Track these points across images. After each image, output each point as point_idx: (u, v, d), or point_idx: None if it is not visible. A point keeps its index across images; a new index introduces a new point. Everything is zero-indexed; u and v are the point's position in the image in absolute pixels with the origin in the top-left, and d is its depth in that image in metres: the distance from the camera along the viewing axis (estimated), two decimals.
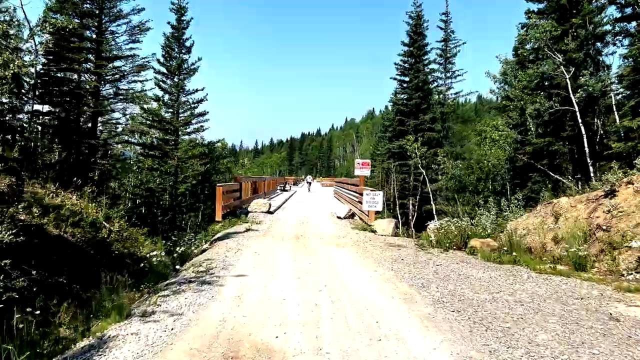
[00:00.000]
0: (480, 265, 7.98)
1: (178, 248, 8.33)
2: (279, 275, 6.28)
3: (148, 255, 7.69)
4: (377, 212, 13.67)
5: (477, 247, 10.01)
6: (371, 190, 13.20)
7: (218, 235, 10.93)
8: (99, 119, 16.57)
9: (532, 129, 16.34)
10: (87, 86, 15.74)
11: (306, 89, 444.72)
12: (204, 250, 8.94)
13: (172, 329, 4.08)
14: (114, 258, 8.72)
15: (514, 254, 9.35)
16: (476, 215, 14.25)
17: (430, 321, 4.46)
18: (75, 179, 9.72)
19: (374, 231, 12.02)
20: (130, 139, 20.64)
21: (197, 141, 23.02)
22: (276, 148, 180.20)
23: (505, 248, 9.77)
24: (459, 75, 30.54)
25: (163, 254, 7.43)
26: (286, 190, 29.81)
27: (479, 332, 4.18)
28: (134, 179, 22.71)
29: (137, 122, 20.85)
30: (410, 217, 25.55)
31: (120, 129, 18.65)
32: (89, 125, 15.84)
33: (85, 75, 16.05)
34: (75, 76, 15.48)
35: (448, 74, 30.15)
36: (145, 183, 21.23)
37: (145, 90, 18.46)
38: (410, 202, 26.15)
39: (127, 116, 18.59)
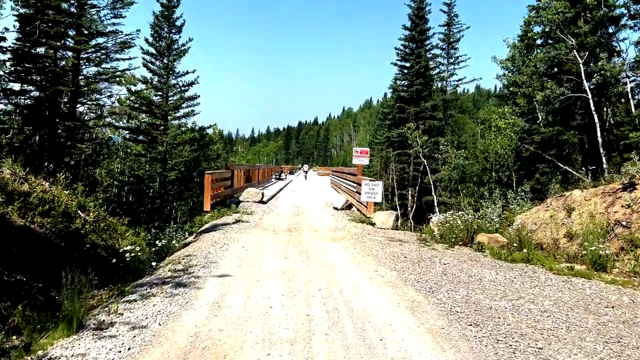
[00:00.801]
0: (491, 264, 7.29)
1: (158, 241, 7.58)
2: (266, 277, 5.54)
3: (124, 250, 6.94)
4: (376, 204, 12.97)
5: (485, 243, 9.37)
6: (370, 180, 12.45)
7: (205, 226, 10.18)
8: (80, 99, 15.46)
9: (542, 116, 15.58)
10: (66, 64, 14.67)
11: (304, 78, 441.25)
12: (187, 244, 8.19)
13: (128, 349, 3.35)
14: (88, 251, 7.95)
15: (524, 250, 8.71)
16: (481, 207, 13.59)
17: (445, 339, 3.74)
18: (46, 163, 8.87)
19: (372, 224, 11.33)
20: (116, 123, 19.64)
21: (189, 126, 22.08)
22: (273, 137, 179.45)
23: (515, 244, 9.13)
24: (462, 61, 29.62)
25: (138, 248, 6.67)
26: (281, 179, 29.29)
27: (507, 355, 3.47)
28: (122, 165, 21.79)
29: (124, 105, 19.81)
30: (409, 209, 24.90)
31: (103, 112, 17.49)
32: (68, 106, 14.75)
33: (64, 52, 14.94)
34: (53, 52, 14.38)
35: (451, 60, 29.20)
36: (133, 170, 20.30)
37: (131, 69, 17.38)
38: (410, 192, 25.47)
39: (113, 98, 17.62)
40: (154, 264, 6.27)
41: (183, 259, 6.45)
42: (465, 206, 13.36)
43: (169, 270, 5.70)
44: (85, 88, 15.25)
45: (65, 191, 9.27)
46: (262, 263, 6.28)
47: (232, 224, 10.12)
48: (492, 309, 4.66)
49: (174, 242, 7.77)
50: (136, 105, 19.83)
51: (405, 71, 29.26)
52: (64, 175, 9.63)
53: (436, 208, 19.22)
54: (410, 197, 25.39)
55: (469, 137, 31.18)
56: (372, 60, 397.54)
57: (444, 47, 30.15)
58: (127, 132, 20.75)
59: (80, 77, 15.17)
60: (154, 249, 7.53)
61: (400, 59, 29.48)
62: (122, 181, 19.61)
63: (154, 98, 20.77)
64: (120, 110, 18.22)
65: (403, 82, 29.33)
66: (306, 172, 36.61)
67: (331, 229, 10.20)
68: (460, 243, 9.45)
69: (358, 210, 13.64)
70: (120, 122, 20.72)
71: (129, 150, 21.39)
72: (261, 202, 14.56)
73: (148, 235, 9.09)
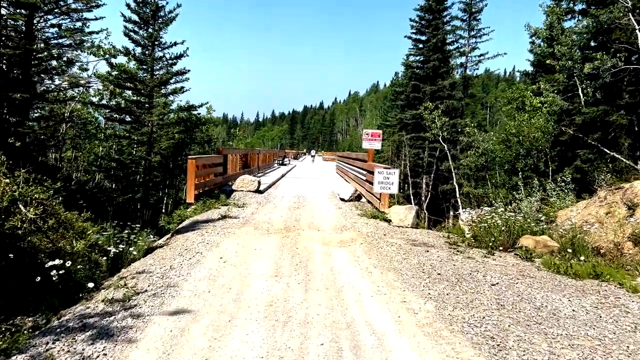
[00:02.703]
0: (553, 284, 5.57)
1: (112, 247, 5.89)
2: (243, 314, 3.83)
3: (51, 265, 5.30)
4: (391, 196, 11.23)
5: (531, 248, 7.64)
6: (384, 168, 10.64)
7: (183, 223, 8.51)
8: (37, 70, 13.23)
9: (590, 91, 13.52)
10: (12, 21, 12.40)
11: (311, 62, 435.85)
12: (152, 249, 6.51)
13: None
14: (20, 260, 6.32)
15: (581, 258, 7.00)
16: (513, 200, 11.79)
17: None
18: None
19: (387, 220, 9.62)
20: (93, 101, 17.70)
21: (178, 104, 19.98)
22: (278, 121, 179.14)
23: (568, 250, 7.38)
24: (485, 34, 27.01)
25: (71, 263, 5.00)
26: (285, 165, 27.83)
27: None
28: (107, 149, 19.92)
29: (103, 78, 17.77)
30: (423, 198, 23.10)
31: (65, 83, 15.36)
32: (17, 72, 12.59)
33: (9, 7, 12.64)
34: None
35: (472, 32, 26.70)
36: (118, 154, 18.44)
37: (102, 33, 15.26)
38: (424, 180, 23.61)
39: (90, 71, 15.63)
40: (91, 285, 4.57)
41: (133, 277, 4.76)
42: (495, 198, 11.55)
43: (102, 301, 4.00)
44: (45, 52, 13.07)
45: (5, 179, 7.60)
46: (241, 287, 4.57)
47: (216, 221, 8.44)
48: None
49: (132, 249, 6.07)
50: (115, 80, 17.78)
51: (421, 46, 26.94)
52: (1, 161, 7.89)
53: (458, 200, 17.36)
54: (424, 186, 23.55)
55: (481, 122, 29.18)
56: (379, 42, 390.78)
57: (464, 17, 27.54)
58: (107, 110, 18.78)
59: (36, 40, 13.06)
60: (105, 258, 5.84)
61: (415, 31, 27.11)
62: (100, 167, 17.81)
63: (138, 72, 18.73)
64: (85, 82, 16.17)
65: (418, 57, 27.07)
66: (313, 156, 41.67)
67: (338, 228, 8.49)
68: (501, 248, 7.72)
69: (369, 202, 11.90)
70: (98, 99, 18.72)
71: (108, 132, 19.46)
72: (257, 191, 12.87)
73: (119, 232, 7.40)
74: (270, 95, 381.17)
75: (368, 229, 8.49)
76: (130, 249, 6.04)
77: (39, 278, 4.85)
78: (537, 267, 6.63)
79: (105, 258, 5.85)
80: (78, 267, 5.26)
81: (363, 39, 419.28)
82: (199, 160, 10.89)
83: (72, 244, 6.93)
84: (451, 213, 22.76)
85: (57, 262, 4.75)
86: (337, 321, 3.75)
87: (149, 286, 4.44)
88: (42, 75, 13.54)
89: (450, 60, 26.70)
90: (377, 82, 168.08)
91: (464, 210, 9.51)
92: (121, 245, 6.14)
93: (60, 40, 13.60)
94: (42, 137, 12.81)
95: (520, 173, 12.68)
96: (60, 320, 3.65)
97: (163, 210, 16.44)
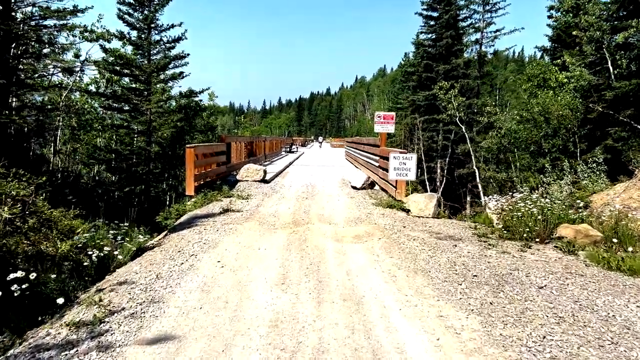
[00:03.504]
0: (608, 283, 4.76)
1: (94, 252, 5.16)
2: (241, 340, 3.06)
3: (14, 277, 4.63)
4: (407, 183, 10.39)
5: (571, 239, 6.78)
6: (400, 153, 9.75)
7: (181, 219, 7.78)
8: (17, 52, 12.17)
9: (623, 63, 12.40)
10: None
11: (316, 48, 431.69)
12: (141, 251, 5.77)
13: None
14: None
15: (629, 249, 6.17)
16: (540, 184, 10.88)
17: None
18: None
19: (406, 210, 8.81)
20: (91, 89, 16.84)
21: (178, 90, 18.99)
22: (285, 108, 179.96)
23: (613, 239, 6.53)
24: (500, 8, 25.53)
25: (36, 275, 4.29)
26: (292, 152, 27.26)
27: None
28: (106, 139, 19.17)
29: (99, 65, 16.88)
30: (438, 184, 22.16)
31: (52, 69, 14.45)
32: None
33: None
34: None
35: (487, 7, 25.25)
36: (118, 144, 17.67)
37: (89, 9, 14.18)
38: (439, 165, 22.61)
39: (83, 57, 14.69)
40: (61, 300, 3.84)
41: (112, 290, 4.02)
42: (521, 183, 10.63)
43: (66, 325, 3.26)
44: (27, 34, 11.96)
45: None
46: (240, 299, 3.80)
47: (217, 215, 7.70)
48: None
49: (117, 252, 5.33)
50: (111, 66, 16.88)
51: (432, 23, 25.62)
52: None
53: (479, 185, 16.34)
54: (439, 170, 22.57)
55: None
56: (386, 23, 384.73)
57: None
58: (103, 99, 17.91)
59: (16, 21, 12.02)
60: (87, 263, 5.11)
61: (426, 7, 25.73)
62: (98, 158, 17.03)
63: (134, 58, 17.76)
64: (77, 68, 15.23)
65: (429, 35, 25.77)
66: (320, 142, 44.70)
67: (352, 220, 7.71)
68: (537, 240, 6.86)
69: (383, 190, 11.08)
70: (95, 87, 17.79)
71: (106, 122, 18.62)
72: (263, 181, 12.13)
73: (115, 230, 6.67)
74: (277, 83, 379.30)
75: (385, 221, 7.70)
76: (116, 252, 5.30)
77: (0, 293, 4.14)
78: (583, 262, 5.79)
79: (86, 263, 5.12)
80: (51, 276, 4.54)
81: (370, 21, 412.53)
82: (199, 149, 10.11)
83: (56, 246, 6.20)
84: (468, 199, 21.82)
85: (18, 274, 4.01)
86: (360, 348, 2.96)
87: (128, 302, 3.69)
88: (23, 59, 12.58)
89: (464, 38, 25.39)
90: (384, 66, 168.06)
91: (489, 197, 8.64)
92: (107, 248, 5.41)
93: (46, 22, 12.64)
94: (25, 127, 12.04)
95: (547, 155, 11.69)
96: (9, 354, 2.90)
97: (168, 203, 15.69)
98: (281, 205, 9.02)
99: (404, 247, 5.89)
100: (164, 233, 7.22)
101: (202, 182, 10.55)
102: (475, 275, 4.73)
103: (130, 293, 3.90)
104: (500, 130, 14.60)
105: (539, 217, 7.11)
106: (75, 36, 13.97)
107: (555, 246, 6.58)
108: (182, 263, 4.81)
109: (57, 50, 13.70)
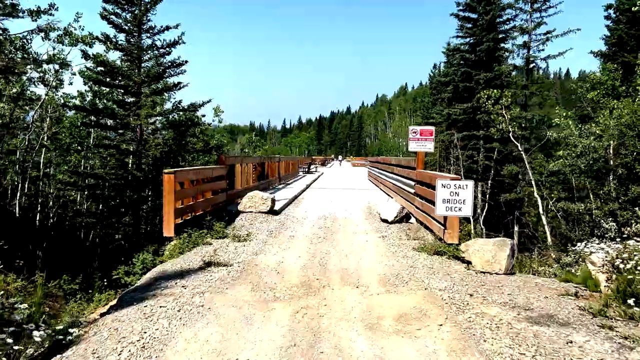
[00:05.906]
0: None
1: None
2: None
3: None
4: (461, 220, 8.08)
5: None
6: (451, 180, 7.39)
7: (141, 280, 5.65)
8: None
9: None
10: None
11: (336, 66, 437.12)
12: (48, 357, 3.58)
13: None
14: None
15: None
16: (635, 219, 8.32)
17: None
18: None
19: (465, 262, 6.50)
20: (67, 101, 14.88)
21: (174, 103, 16.82)
22: (305, 127, 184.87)
23: None
24: (551, 6, 22.76)
25: None
26: (311, 173, 25.43)
27: None
28: (93, 160, 17.21)
29: (84, 74, 15.13)
30: (479, 211, 19.53)
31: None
32: None
33: None
34: None
35: (535, 6, 22.61)
36: (101, 167, 15.56)
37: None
38: (480, 188, 20.00)
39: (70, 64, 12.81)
40: None
41: None
42: (605, 216, 8.11)
43: None
44: None
45: None
46: None
47: (193, 274, 5.56)
48: None
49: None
50: (94, 75, 14.82)
51: (470, 25, 23.33)
52: None
53: (542, 218, 13.56)
54: (480, 195, 19.97)
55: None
56: (406, 45, 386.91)
57: None
58: (83, 114, 15.89)
59: None
60: None
61: (462, 8, 23.45)
62: (76, 185, 14.81)
63: (121, 65, 15.64)
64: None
65: (467, 39, 23.44)
66: (340, 161, 48.52)
67: (389, 278, 5.51)
68: None
69: (421, 224, 8.77)
70: (79, 100, 15.75)
71: (83, 141, 16.57)
72: (271, 212, 9.97)
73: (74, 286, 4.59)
74: (298, 102, 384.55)
75: (439, 282, 5.43)
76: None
77: None
78: None
79: None
80: None
81: (391, 40, 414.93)
82: (182, 174, 8.01)
83: None
84: (516, 229, 19.14)
85: None
86: None
87: None
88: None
89: (508, 42, 22.93)
90: (405, 83, 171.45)
91: (588, 242, 6.17)
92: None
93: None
94: None
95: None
96: None
97: (143, 244, 13.39)
98: (289, 251, 6.84)
99: (486, 349, 3.56)
100: (107, 307, 5.05)
101: (188, 217, 8.44)
102: None
103: None
104: (574, 149, 12.06)
105: None
106: (50, 39, 12.30)
107: None
108: None
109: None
